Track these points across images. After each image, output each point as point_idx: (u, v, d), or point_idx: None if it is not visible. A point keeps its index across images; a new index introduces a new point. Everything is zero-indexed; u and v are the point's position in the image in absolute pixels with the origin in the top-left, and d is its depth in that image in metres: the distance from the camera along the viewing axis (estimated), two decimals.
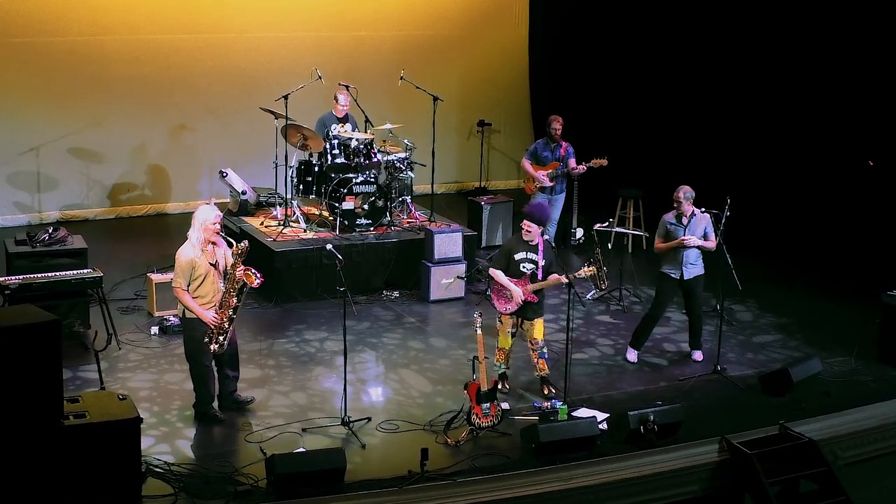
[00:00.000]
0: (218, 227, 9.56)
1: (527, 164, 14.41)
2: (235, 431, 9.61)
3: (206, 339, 9.51)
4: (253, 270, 9.47)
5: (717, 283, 11.59)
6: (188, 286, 9.47)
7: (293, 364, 11.19)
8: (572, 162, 14.23)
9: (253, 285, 9.49)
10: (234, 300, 9.51)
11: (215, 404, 9.85)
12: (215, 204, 10.23)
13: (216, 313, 9.50)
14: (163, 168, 16.30)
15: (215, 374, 9.81)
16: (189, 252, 9.48)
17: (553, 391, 10.51)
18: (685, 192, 11.11)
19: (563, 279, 10.21)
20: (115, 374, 10.67)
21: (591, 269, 10.40)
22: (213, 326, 9.48)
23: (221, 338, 9.53)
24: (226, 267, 9.61)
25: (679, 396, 10.55)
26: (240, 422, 9.77)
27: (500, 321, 10.51)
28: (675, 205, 11.13)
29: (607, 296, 13.31)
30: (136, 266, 13.53)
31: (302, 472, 8.60)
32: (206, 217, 9.51)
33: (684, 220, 11.13)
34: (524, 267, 10.33)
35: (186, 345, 9.71)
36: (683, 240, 11.03)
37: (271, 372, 10.95)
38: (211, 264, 9.52)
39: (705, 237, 11.12)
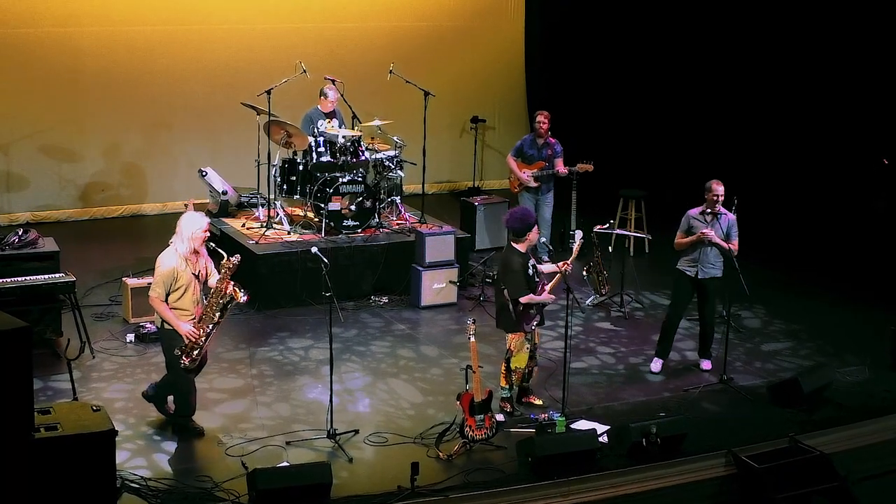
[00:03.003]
0: (207, 234, 9.56)
1: (512, 162, 14.43)
2: (215, 445, 9.60)
3: (178, 353, 9.49)
4: (240, 286, 9.46)
5: (724, 288, 11.60)
6: (167, 297, 9.46)
7: (276, 374, 11.18)
8: (559, 163, 14.21)
9: (240, 301, 9.49)
10: (217, 315, 9.48)
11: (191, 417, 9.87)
12: (194, 205, 10.24)
13: (194, 327, 9.49)
14: (139, 167, 16.28)
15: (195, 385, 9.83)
16: (172, 260, 9.43)
17: (539, 401, 10.55)
18: (722, 188, 11.11)
19: (565, 266, 10.24)
20: (89, 384, 10.66)
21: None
22: (188, 340, 9.47)
23: (195, 353, 9.51)
24: (206, 277, 9.61)
25: (683, 407, 10.57)
26: (220, 434, 9.76)
27: (528, 340, 10.33)
28: (713, 199, 11.08)
29: (608, 301, 13.32)
30: (111, 270, 13.51)
31: (285, 488, 8.59)
32: (196, 226, 9.47)
33: (708, 218, 11.16)
34: (537, 277, 10.30)
35: (167, 354, 9.69)
36: (703, 233, 11.05)
37: (254, 382, 10.94)
38: (193, 275, 9.51)
39: (728, 238, 11.16)
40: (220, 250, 9.66)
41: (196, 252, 9.52)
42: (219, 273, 9.50)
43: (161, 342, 9.83)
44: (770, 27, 15.77)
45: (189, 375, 9.67)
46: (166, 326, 9.54)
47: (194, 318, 9.49)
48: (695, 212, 11.25)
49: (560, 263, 10.30)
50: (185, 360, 9.48)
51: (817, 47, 15.18)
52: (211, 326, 9.49)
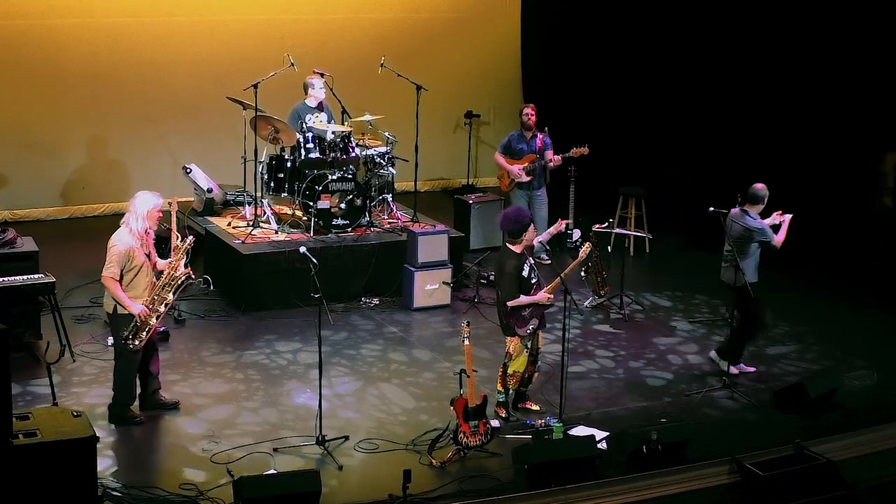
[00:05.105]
0: (161, 214, 9.84)
1: (500, 159, 14.43)
2: (200, 452, 9.58)
3: (124, 334, 9.64)
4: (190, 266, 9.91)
5: (726, 289, 11.59)
6: (121, 278, 9.63)
7: (263, 378, 11.17)
8: (550, 154, 14.21)
9: (192, 279, 9.93)
10: (171, 296, 9.77)
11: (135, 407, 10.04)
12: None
13: (146, 307, 9.66)
14: (121, 163, 16.26)
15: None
16: (127, 239, 9.67)
17: (536, 407, 10.55)
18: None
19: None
20: (69, 388, 10.64)
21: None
22: (139, 321, 9.62)
23: (143, 333, 9.69)
24: (154, 262, 9.88)
25: (685, 413, 10.58)
26: (205, 441, 9.74)
27: (527, 346, 10.33)
28: (761, 205, 11.21)
29: (607, 303, 13.31)
30: (92, 271, 13.40)
31: (273, 496, 8.57)
32: (151, 204, 9.75)
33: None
34: (533, 279, 10.31)
35: (117, 341, 9.85)
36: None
37: (240, 386, 10.92)
38: (146, 255, 9.74)
39: None
40: (176, 233, 9.85)
41: (147, 232, 9.78)
42: (172, 255, 9.86)
43: (111, 328, 10.02)
44: (771, 23, 15.77)
45: (135, 363, 9.86)
46: (119, 311, 9.71)
47: (146, 300, 9.71)
48: (759, 220, 11.26)
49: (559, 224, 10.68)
50: (135, 342, 9.66)
51: (819, 44, 15.18)
52: (163, 307, 9.74)
